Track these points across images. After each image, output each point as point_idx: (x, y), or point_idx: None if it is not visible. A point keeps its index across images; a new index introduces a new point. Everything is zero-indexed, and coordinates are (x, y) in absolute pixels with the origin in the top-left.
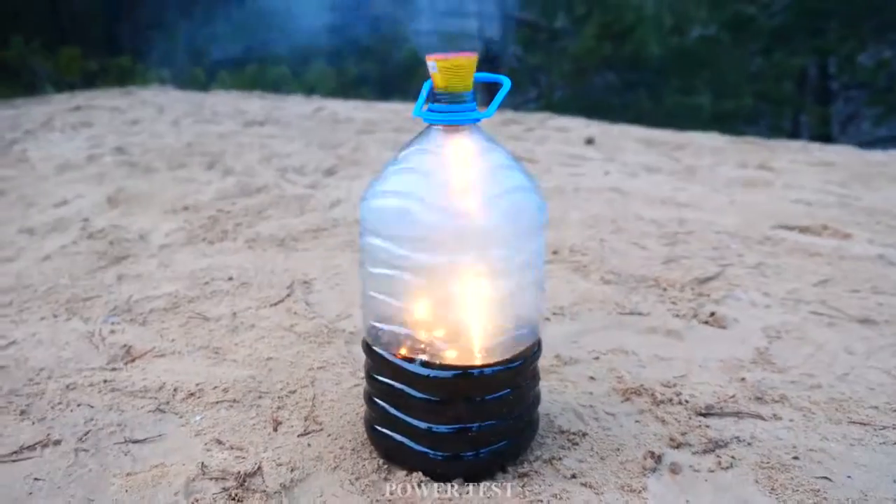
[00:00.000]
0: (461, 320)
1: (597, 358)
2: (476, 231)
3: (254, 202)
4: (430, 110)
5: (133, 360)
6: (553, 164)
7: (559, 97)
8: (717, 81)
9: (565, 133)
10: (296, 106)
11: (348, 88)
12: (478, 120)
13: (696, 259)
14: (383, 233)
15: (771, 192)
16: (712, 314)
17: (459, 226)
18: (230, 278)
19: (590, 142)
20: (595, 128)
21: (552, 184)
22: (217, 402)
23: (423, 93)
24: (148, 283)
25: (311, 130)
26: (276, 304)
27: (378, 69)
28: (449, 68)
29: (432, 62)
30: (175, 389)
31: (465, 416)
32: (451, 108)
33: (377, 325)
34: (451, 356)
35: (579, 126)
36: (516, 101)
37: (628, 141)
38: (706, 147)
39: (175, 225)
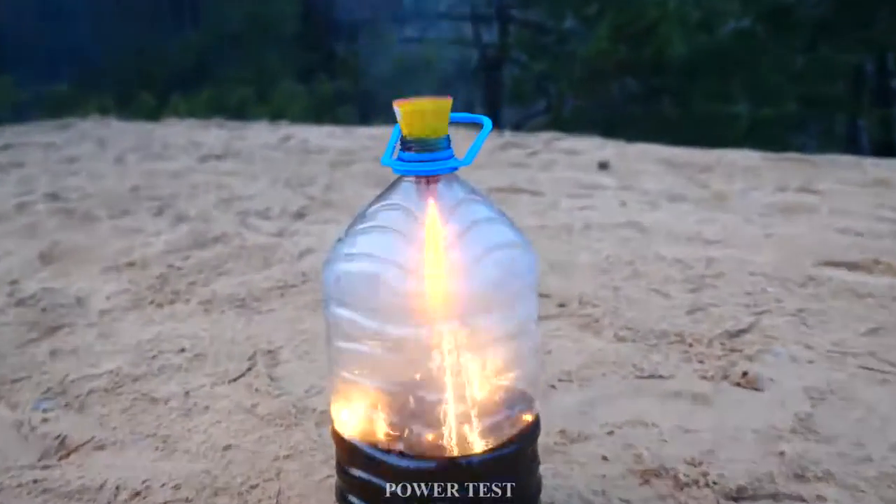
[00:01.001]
0: (443, 401)
1: (610, 433)
2: (457, 297)
3: (210, 255)
4: (399, 159)
5: (68, 455)
6: (560, 196)
7: (571, 109)
8: (755, 84)
9: (575, 156)
10: (260, 134)
11: (321, 111)
12: (454, 169)
13: (726, 307)
14: (350, 302)
15: (814, 220)
16: (745, 374)
17: (437, 292)
18: (182, 350)
19: (603, 166)
20: (610, 149)
21: (559, 220)
22: (167, 503)
23: (393, 139)
24: (86, 358)
25: (278, 164)
26: (234, 380)
27: (356, 86)
28: (415, 114)
29: (396, 108)
30: (118, 488)
31: None
32: (422, 158)
33: (347, 409)
34: (434, 444)
35: (592, 147)
36: (520, 116)
37: (648, 163)
38: (738, 167)
39: (118, 286)
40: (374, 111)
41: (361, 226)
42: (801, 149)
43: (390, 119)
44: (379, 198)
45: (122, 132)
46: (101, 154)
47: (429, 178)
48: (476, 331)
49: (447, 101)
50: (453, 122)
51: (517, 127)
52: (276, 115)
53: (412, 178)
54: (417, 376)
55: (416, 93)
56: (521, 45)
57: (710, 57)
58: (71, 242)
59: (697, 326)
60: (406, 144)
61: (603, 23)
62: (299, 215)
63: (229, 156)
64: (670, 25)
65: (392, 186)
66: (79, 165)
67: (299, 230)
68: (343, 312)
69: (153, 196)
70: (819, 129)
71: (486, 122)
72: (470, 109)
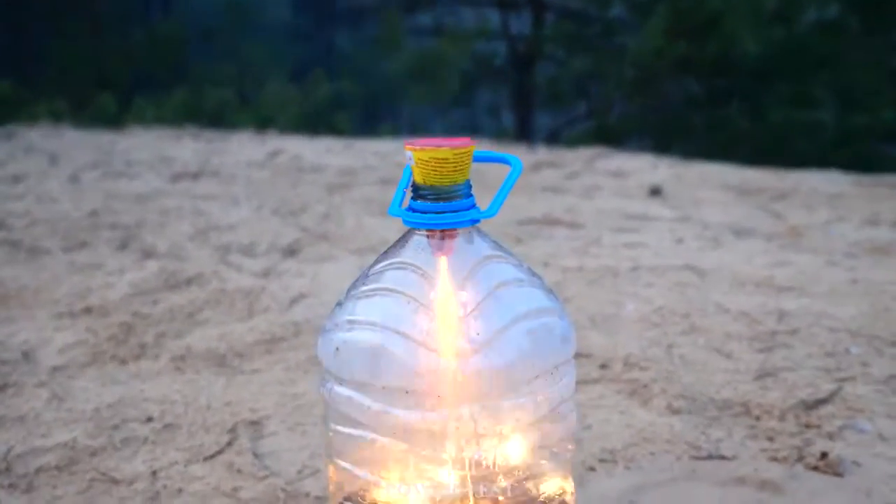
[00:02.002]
0: (458, 498)
1: None
2: (477, 377)
3: (183, 300)
4: (410, 209)
5: None
6: (603, 230)
7: (618, 115)
8: (843, 87)
9: (622, 179)
10: (243, 148)
11: (317, 118)
12: (475, 222)
13: (801, 371)
14: (350, 379)
15: None
16: (824, 455)
17: (453, 371)
18: (149, 418)
19: (656, 192)
20: (664, 170)
21: (601, 261)
22: None
23: (403, 183)
24: (35, 427)
25: (265, 187)
26: (212, 457)
27: (359, 88)
28: (430, 162)
29: (409, 152)
30: None
31: None
32: (437, 208)
33: (344, 500)
34: None
35: (642, 167)
36: (557, 123)
37: (710, 188)
38: (821, 194)
39: (73, 336)
40: (380, 118)
41: (364, 287)
42: None
43: (400, 128)
44: (386, 253)
45: (78, 144)
46: (52, 171)
47: (445, 232)
48: (499, 417)
49: (469, 148)
50: (475, 160)
51: (552, 137)
52: (262, 123)
53: (425, 232)
54: (427, 469)
55: (431, 93)
56: (559, 37)
57: (788, 54)
58: (15, 282)
59: (767, 395)
60: (419, 192)
61: (658, 12)
62: (290, 251)
63: (206, 175)
64: (739, 17)
65: (402, 240)
66: (25, 186)
67: (290, 270)
68: (342, 391)
69: (115, 224)
70: None
71: (515, 162)
72: (496, 115)
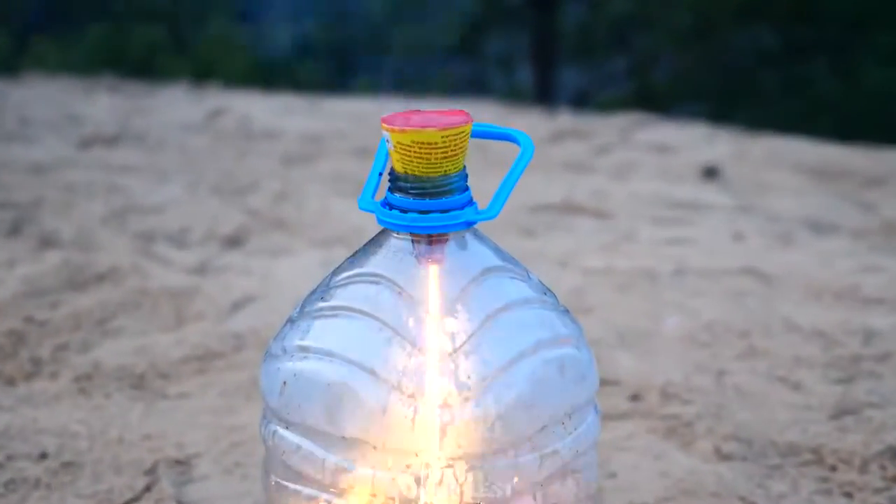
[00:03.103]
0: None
1: None
2: (466, 431)
3: (91, 302)
4: (387, 203)
5: None
6: (640, 221)
7: (665, 74)
8: None
9: (667, 156)
10: (175, 106)
11: (273, 69)
12: (470, 224)
13: (892, 409)
14: (301, 423)
15: None
16: None
17: (437, 423)
18: (43, 455)
19: (711, 173)
20: (722, 144)
21: (636, 261)
22: None
23: (377, 166)
24: None
25: (202, 157)
26: None
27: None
28: (411, 147)
29: (385, 130)
30: None
31: None
32: (421, 206)
33: None
34: None
35: (694, 141)
36: (587, 82)
37: (781, 170)
38: None
39: None
40: (356, 70)
41: (324, 304)
42: None
43: (381, 83)
44: (354, 258)
45: None
46: None
47: (432, 237)
48: (494, 479)
49: (465, 128)
50: (472, 136)
51: (581, 100)
52: (201, 74)
53: (405, 235)
54: None
55: (423, 39)
56: None
57: None
58: None
59: (845, 439)
60: (398, 183)
61: None
62: (234, 241)
63: (126, 140)
64: None
65: (376, 241)
66: None
67: (232, 265)
68: (289, 437)
69: (3, 203)
70: None
71: (525, 142)
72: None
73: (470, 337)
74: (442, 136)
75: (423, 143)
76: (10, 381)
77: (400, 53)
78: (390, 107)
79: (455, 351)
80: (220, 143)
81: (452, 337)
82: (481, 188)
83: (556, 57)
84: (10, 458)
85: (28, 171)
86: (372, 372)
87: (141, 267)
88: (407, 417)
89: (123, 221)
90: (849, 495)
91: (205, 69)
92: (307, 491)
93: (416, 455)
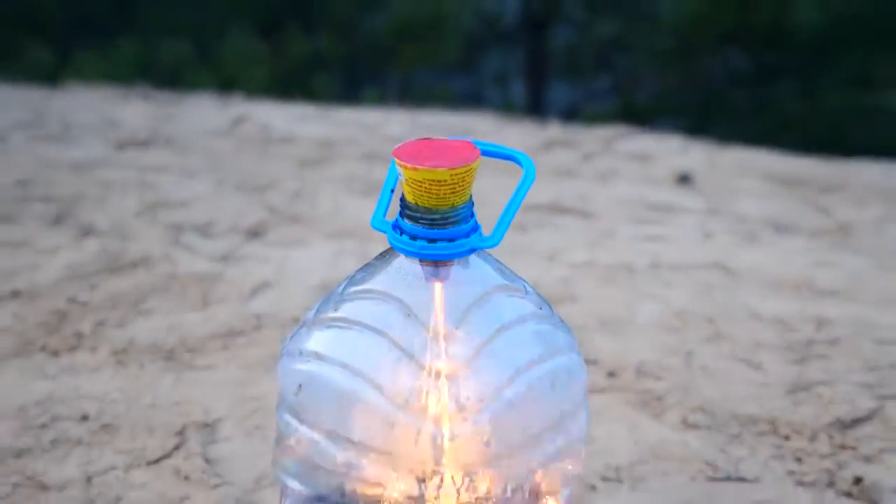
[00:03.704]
0: None
1: None
2: (465, 446)
3: (127, 285)
4: (396, 227)
5: None
6: (620, 221)
7: (647, 93)
8: None
9: (646, 164)
10: (201, 113)
11: (290, 80)
12: (473, 251)
13: (839, 387)
14: (315, 423)
15: None
16: (858, 481)
17: (437, 438)
18: (84, 417)
19: (685, 180)
20: (696, 155)
21: (616, 256)
22: None
23: (388, 183)
24: None
25: (226, 159)
26: (156, 462)
27: (340, 47)
28: (422, 183)
29: (399, 168)
30: None
31: None
32: (430, 235)
33: None
34: None
35: (670, 151)
36: (575, 98)
37: (748, 178)
38: (875, 189)
39: None
40: (365, 82)
41: (337, 314)
42: None
43: (386, 94)
44: (365, 272)
45: (5, 102)
46: None
47: (438, 263)
48: (492, 482)
49: (472, 166)
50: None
51: (569, 114)
52: (225, 84)
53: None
54: None
55: (426, 57)
56: None
57: (851, 26)
58: None
59: (798, 412)
60: (408, 211)
61: None
62: (253, 233)
63: (157, 143)
64: None
65: (384, 259)
66: None
67: (252, 255)
68: (302, 430)
69: (48, 197)
70: None
71: (527, 165)
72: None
73: (470, 359)
74: (451, 175)
75: (433, 180)
76: (55, 354)
77: (404, 69)
78: (397, 117)
79: (456, 373)
80: (243, 147)
81: (454, 360)
82: (480, 187)
83: (546, 74)
84: (54, 419)
85: (70, 169)
86: (381, 388)
87: (171, 255)
88: (411, 432)
89: (155, 214)
90: (799, 460)
91: (228, 80)
92: (317, 473)
93: (419, 463)
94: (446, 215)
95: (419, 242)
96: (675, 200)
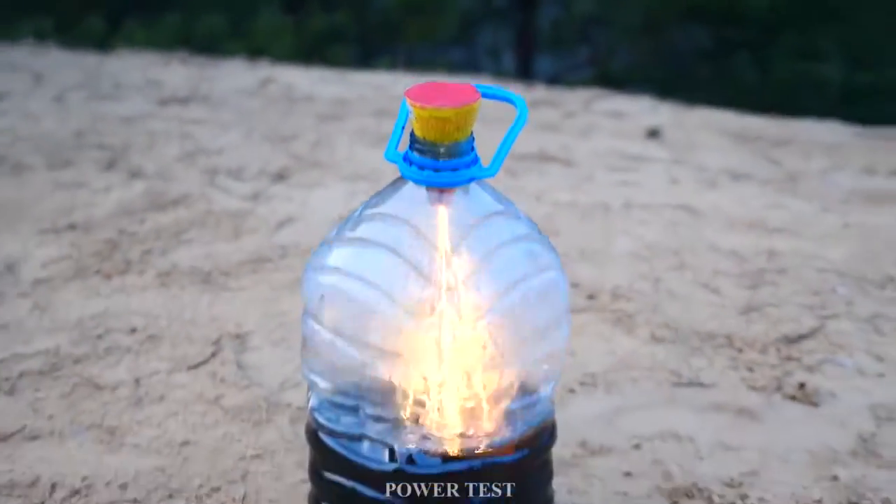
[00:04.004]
0: (439, 401)
1: (637, 446)
2: (465, 348)
3: (169, 220)
4: (406, 159)
5: None
6: (598, 168)
7: (621, 63)
8: (853, 42)
9: (620, 121)
10: (234, 75)
11: (311, 51)
12: (474, 180)
13: (786, 308)
14: (334, 327)
15: None
16: (802, 386)
17: (443, 342)
18: (133, 329)
19: (654, 134)
20: (664, 113)
21: (594, 197)
22: (112, 503)
23: (399, 122)
24: (17, 335)
25: (255, 114)
26: (195, 367)
27: (355, 22)
28: (429, 119)
29: (409, 106)
30: (54, 485)
31: None
32: (435, 165)
33: (321, 405)
34: (426, 448)
35: (641, 110)
36: (559, 68)
37: (709, 133)
38: (820, 143)
39: (57, 251)
40: (376, 52)
41: (354, 234)
42: None
43: (396, 61)
44: (379, 197)
45: (64, 64)
46: (37, 90)
47: (443, 189)
48: (487, 380)
49: (473, 106)
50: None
51: (554, 81)
52: (254, 53)
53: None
54: (410, 391)
55: (427, 30)
56: None
57: (797, 6)
58: None
59: (750, 329)
60: (417, 145)
61: None
62: (279, 177)
63: (196, 100)
64: None
65: (395, 186)
66: (9, 104)
67: (278, 194)
68: (324, 335)
69: (101, 145)
70: None
71: (520, 104)
72: (497, 56)
73: (470, 273)
74: (455, 113)
75: (439, 118)
76: (108, 277)
77: (409, 42)
78: (404, 80)
79: (458, 285)
80: (269, 104)
81: (456, 273)
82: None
83: (534, 47)
84: (107, 331)
85: (120, 121)
86: (393, 298)
87: (207, 194)
88: (418, 336)
89: (194, 160)
90: (751, 370)
91: (257, 49)
92: (337, 371)
93: (425, 364)
94: (450, 148)
95: (426, 172)
96: (646, 152)
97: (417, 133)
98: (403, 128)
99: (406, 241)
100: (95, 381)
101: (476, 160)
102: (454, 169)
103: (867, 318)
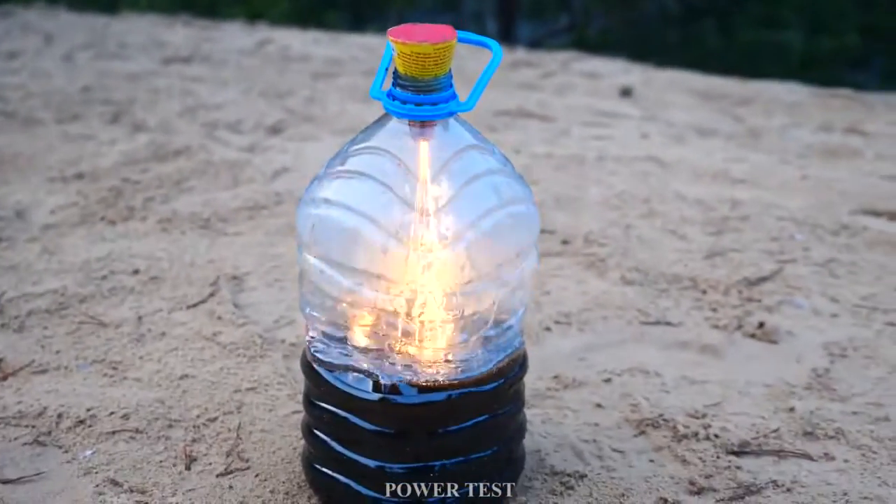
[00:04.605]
0: (417, 338)
1: (608, 380)
2: (443, 269)
3: (171, 169)
4: (390, 95)
5: (5, 378)
6: (573, 124)
7: (597, 28)
8: (813, 10)
9: (595, 80)
10: (233, 37)
11: (307, 16)
12: (452, 114)
13: (747, 253)
14: (324, 255)
15: (857, 164)
16: (761, 325)
17: (422, 263)
18: (136, 271)
19: (626, 93)
20: (636, 74)
21: (569, 150)
22: (114, 433)
23: (384, 62)
24: (27, 276)
25: (253, 72)
26: (194, 306)
27: None
28: (412, 56)
29: (391, 42)
30: (59, 416)
31: (425, 452)
32: (417, 99)
33: (316, 339)
34: (406, 377)
35: (615, 71)
36: (539, 33)
37: (678, 92)
38: (780, 102)
39: (64, 199)
40: (366, 19)
41: (342, 168)
42: (861, 89)
43: (386, 25)
44: (366, 133)
45: (72, 25)
46: (47, 49)
47: (423, 123)
48: (464, 300)
49: (451, 42)
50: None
51: (534, 46)
52: (253, 16)
53: (404, 120)
54: (390, 323)
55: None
56: None
57: None
58: (10, 148)
59: (714, 272)
60: (399, 81)
61: None
62: (275, 130)
63: (197, 59)
64: None
65: (380, 123)
66: (20, 62)
67: (274, 146)
68: (315, 263)
69: (107, 100)
70: (884, 66)
71: (495, 47)
72: (480, 22)
73: (449, 200)
74: (434, 49)
75: (419, 53)
76: (112, 222)
77: (399, 8)
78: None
79: (437, 210)
80: (266, 63)
81: (436, 200)
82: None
83: (515, 14)
84: (112, 272)
85: (125, 78)
86: (377, 224)
87: (207, 146)
88: (401, 257)
89: (194, 115)
90: (715, 310)
91: (256, 11)
92: (329, 297)
93: (408, 284)
94: (430, 84)
95: (408, 106)
96: (619, 109)
97: (400, 70)
98: (387, 68)
99: (390, 171)
100: (100, 318)
101: (454, 96)
102: (434, 104)
103: (822, 262)
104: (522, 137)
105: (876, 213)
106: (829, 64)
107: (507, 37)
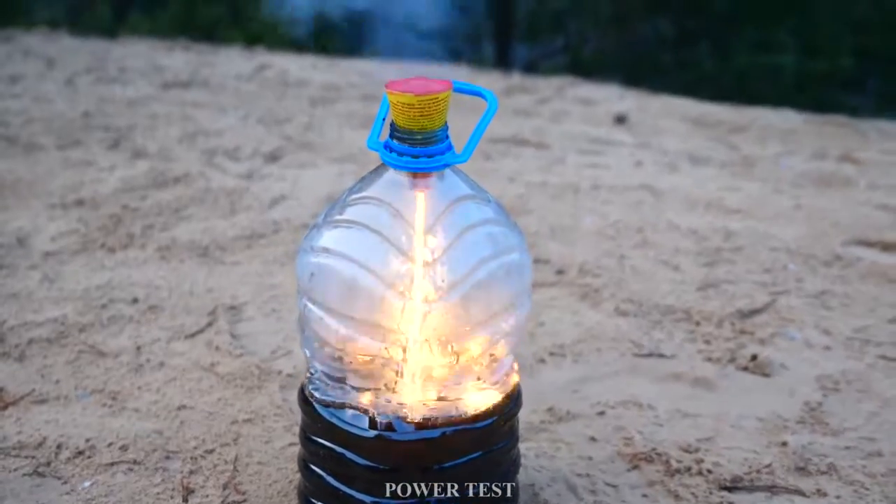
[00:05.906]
0: (416, 370)
1: (601, 413)
2: (438, 319)
3: (170, 197)
4: (387, 146)
5: (5, 407)
6: (568, 152)
7: (591, 51)
8: (807, 33)
9: (590, 107)
10: (232, 62)
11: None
12: (447, 166)
13: (741, 285)
14: (322, 302)
15: (850, 193)
16: (754, 357)
17: (418, 313)
18: (135, 300)
19: (621, 120)
20: (630, 100)
21: (564, 178)
22: (112, 464)
23: (381, 113)
24: (27, 304)
25: (251, 98)
26: (192, 336)
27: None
28: (407, 107)
29: (388, 94)
30: (59, 446)
31: (419, 488)
32: (412, 151)
33: (314, 377)
34: (402, 414)
35: (610, 97)
36: (534, 55)
37: (672, 119)
38: (774, 129)
39: (65, 225)
40: (364, 42)
41: (341, 217)
42: (855, 111)
43: (382, 51)
44: (363, 182)
45: (74, 50)
46: (48, 74)
47: (418, 175)
48: (459, 348)
49: (446, 93)
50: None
51: (530, 68)
52: (251, 41)
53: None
54: (388, 359)
55: (411, 18)
56: None
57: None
58: (11, 174)
59: (707, 304)
60: (396, 133)
61: None
62: (273, 157)
63: (196, 84)
64: None
65: (377, 172)
66: (21, 87)
67: (272, 174)
68: (315, 310)
69: (107, 126)
70: (879, 88)
71: (490, 98)
72: (476, 44)
73: (444, 251)
74: (418, 100)
75: (404, 103)
76: (112, 250)
77: (397, 30)
78: (388, 67)
79: (433, 261)
80: (265, 89)
81: (432, 251)
82: (455, 126)
83: (511, 37)
84: (111, 301)
85: (125, 104)
86: (375, 274)
87: (205, 173)
88: (398, 307)
89: (193, 141)
90: (707, 342)
91: (254, 38)
92: (328, 347)
93: (404, 333)
94: (426, 136)
95: (405, 158)
96: (613, 136)
97: (397, 122)
98: (384, 119)
99: (387, 221)
100: (99, 348)
101: (450, 147)
102: (430, 156)
103: (815, 294)
104: (517, 165)
105: (869, 244)
106: (823, 86)
107: (504, 60)
